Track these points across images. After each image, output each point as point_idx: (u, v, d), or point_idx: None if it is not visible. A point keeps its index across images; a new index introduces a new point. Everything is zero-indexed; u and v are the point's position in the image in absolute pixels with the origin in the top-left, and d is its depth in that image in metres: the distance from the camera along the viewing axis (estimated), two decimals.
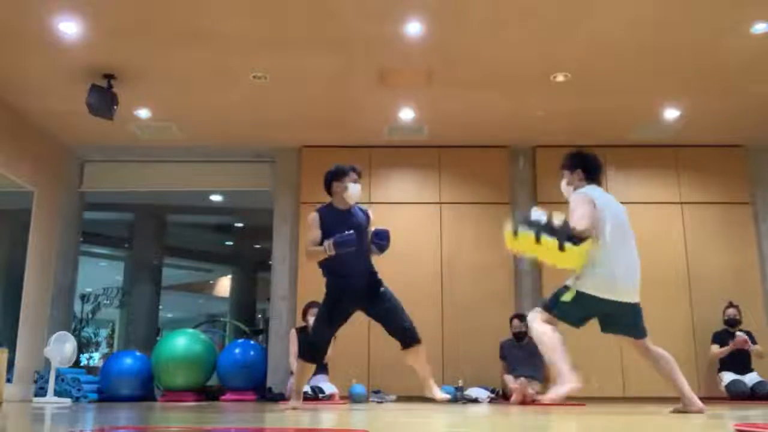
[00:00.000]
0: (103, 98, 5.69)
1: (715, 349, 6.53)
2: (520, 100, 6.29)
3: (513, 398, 5.88)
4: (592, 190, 3.83)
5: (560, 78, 5.85)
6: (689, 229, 7.11)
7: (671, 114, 6.58)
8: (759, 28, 5.02)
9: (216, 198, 9.33)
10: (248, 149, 7.52)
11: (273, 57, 5.51)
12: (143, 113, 6.58)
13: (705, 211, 7.15)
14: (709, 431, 2.21)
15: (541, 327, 3.68)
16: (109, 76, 5.75)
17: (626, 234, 3.81)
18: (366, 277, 4.32)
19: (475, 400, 6.12)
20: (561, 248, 3.51)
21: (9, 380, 6.18)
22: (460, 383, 6.27)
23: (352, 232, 4.11)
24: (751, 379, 6.37)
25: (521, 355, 6.24)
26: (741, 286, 6.89)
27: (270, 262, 7.43)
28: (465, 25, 5.02)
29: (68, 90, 5.97)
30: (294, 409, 4.26)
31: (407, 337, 4.26)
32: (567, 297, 3.66)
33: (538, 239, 3.57)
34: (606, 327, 3.78)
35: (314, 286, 6.81)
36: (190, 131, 7.06)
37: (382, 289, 4.32)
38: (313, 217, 4.31)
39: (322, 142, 7.28)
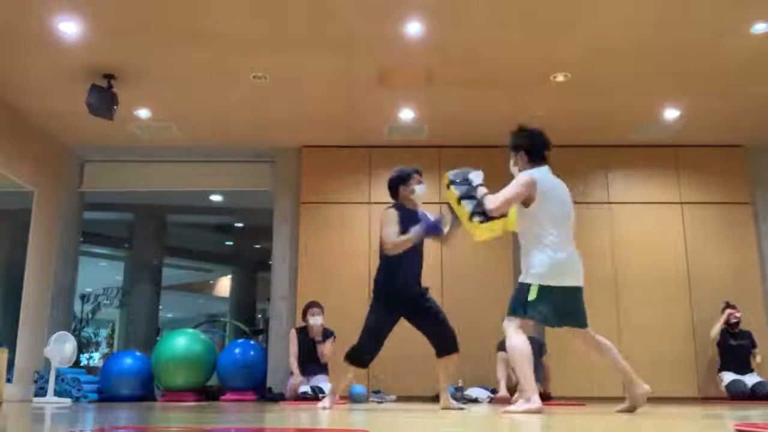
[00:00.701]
0: (103, 98, 5.69)
1: (713, 331, 6.56)
2: (520, 100, 6.29)
3: (501, 394, 5.94)
4: (538, 173, 3.77)
5: (560, 78, 5.85)
6: (689, 229, 7.11)
7: (671, 114, 6.58)
8: (759, 28, 5.02)
9: (216, 198, 9.34)
10: (248, 149, 7.52)
11: (273, 57, 5.51)
12: (143, 113, 6.59)
13: (705, 211, 7.15)
14: (709, 431, 2.21)
15: (514, 338, 3.62)
16: (109, 76, 5.76)
17: (567, 217, 3.77)
18: (418, 283, 4.33)
19: (475, 400, 6.12)
20: (470, 218, 3.75)
21: (9, 380, 6.18)
22: (460, 383, 6.27)
23: (440, 217, 4.13)
24: (751, 379, 6.37)
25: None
26: (741, 286, 6.89)
27: (270, 262, 7.43)
28: (465, 25, 5.02)
29: (68, 90, 5.98)
30: (324, 408, 4.25)
31: (447, 345, 4.25)
32: (532, 295, 3.60)
33: (459, 201, 3.80)
34: (563, 319, 3.68)
35: (314, 286, 6.88)
36: (190, 131, 7.06)
37: (428, 296, 4.33)
38: (393, 212, 4.28)
39: (322, 142, 7.29)
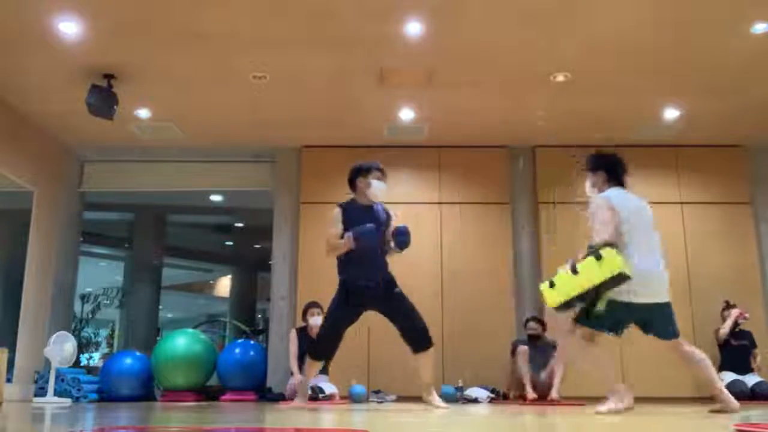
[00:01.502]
0: (103, 98, 5.69)
1: (722, 330, 6.52)
2: (520, 100, 6.29)
3: (531, 395, 5.93)
4: (611, 192, 3.83)
5: (560, 78, 5.85)
6: (689, 229, 7.11)
7: (671, 114, 6.58)
8: (759, 28, 5.02)
9: (216, 198, 9.34)
10: (248, 149, 7.52)
11: (273, 57, 5.51)
12: (143, 113, 6.59)
13: (705, 211, 7.15)
14: (709, 431, 2.21)
15: (577, 346, 3.71)
16: (109, 76, 5.76)
17: (649, 233, 3.81)
18: (380, 278, 4.31)
19: (475, 400, 6.12)
20: (598, 258, 3.50)
21: (9, 380, 6.18)
22: (460, 383, 6.28)
23: (372, 225, 4.13)
24: (751, 379, 6.36)
25: (535, 356, 6.18)
26: (741, 286, 6.89)
27: (270, 262, 7.43)
28: (465, 25, 5.02)
29: (68, 90, 5.98)
30: (300, 408, 4.24)
31: (420, 341, 4.25)
32: (600, 307, 3.66)
33: (575, 270, 3.59)
34: (644, 330, 3.80)
35: (314, 286, 6.87)
36: (190, 131, 7.06)
37: (396, 290, 4.31)
38: (336, 212, 4.33)
39: (322, 142, 7.29)
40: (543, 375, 6.13)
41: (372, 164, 4.45)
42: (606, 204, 3.74)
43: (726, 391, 3.68)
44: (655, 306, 3.71)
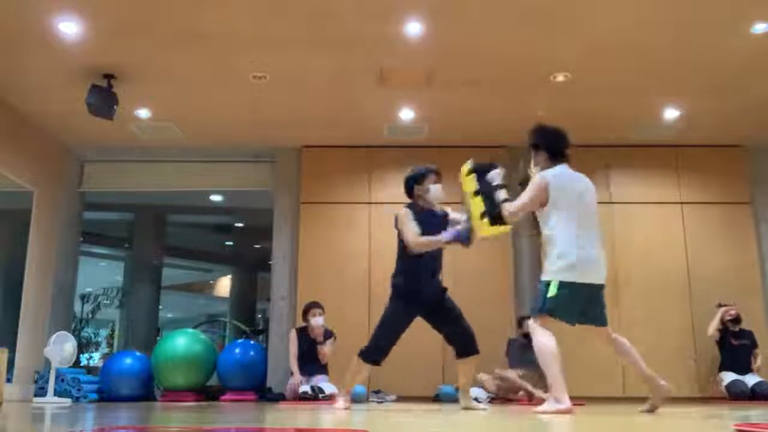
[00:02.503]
0: (103, 98, 5.69)
1: (711, 329, 6.55)
2: (520, 100, 6.29)
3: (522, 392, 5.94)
4: (552, 172, 3.78)
5: (560, 78, 5.85)
6: (689, 229, 7.11)
7: (671, 114, 6.58)
8: (759, 28, 5.02)
9: (216, 198, 9.34)
10: (248, 149, 7.52)
11: (273, 57, 5.51)
12: (143, 113, 6.59)
13: (705, 211, 7.15)
14: (709, 431, 2.21)
15: (543, 338, 3.63)
16: (109, 76, 5.76)
17: (588, 214, 3.76)
18: (437, 282, 4.30)
19: (475, 400, 6.11)
20: (480, 216, 3.83)
21: (9, 380, 6.18)
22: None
23: (467, 228, 4.04)
24: (751, 379, 6.36)
25: (530, 356, 6.18)
26: (741, 286, 6.88)
27: (270, 262, 7.43)
28: (465, 25, 5.02)
29: (68, 90, 5.97)
30: (346, 409, 4.21)
31: (467, 346, 4.26)
32: (552, 291, 3.61)
33: (476, 194, 3.89)
34: (582, 317, 3.70)
35: (314, 286, 6.88)
36: (190, 131, 7.06)
37: (447, 295, 4.30)
38: (406, 212, 4.27)
39: (322, 142, 7.29)
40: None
41: (424, 170, 4.40)
42: (540, 184, 3.74)
43: (655, 375, 3.68)
44: (598, 287, 3.68)
